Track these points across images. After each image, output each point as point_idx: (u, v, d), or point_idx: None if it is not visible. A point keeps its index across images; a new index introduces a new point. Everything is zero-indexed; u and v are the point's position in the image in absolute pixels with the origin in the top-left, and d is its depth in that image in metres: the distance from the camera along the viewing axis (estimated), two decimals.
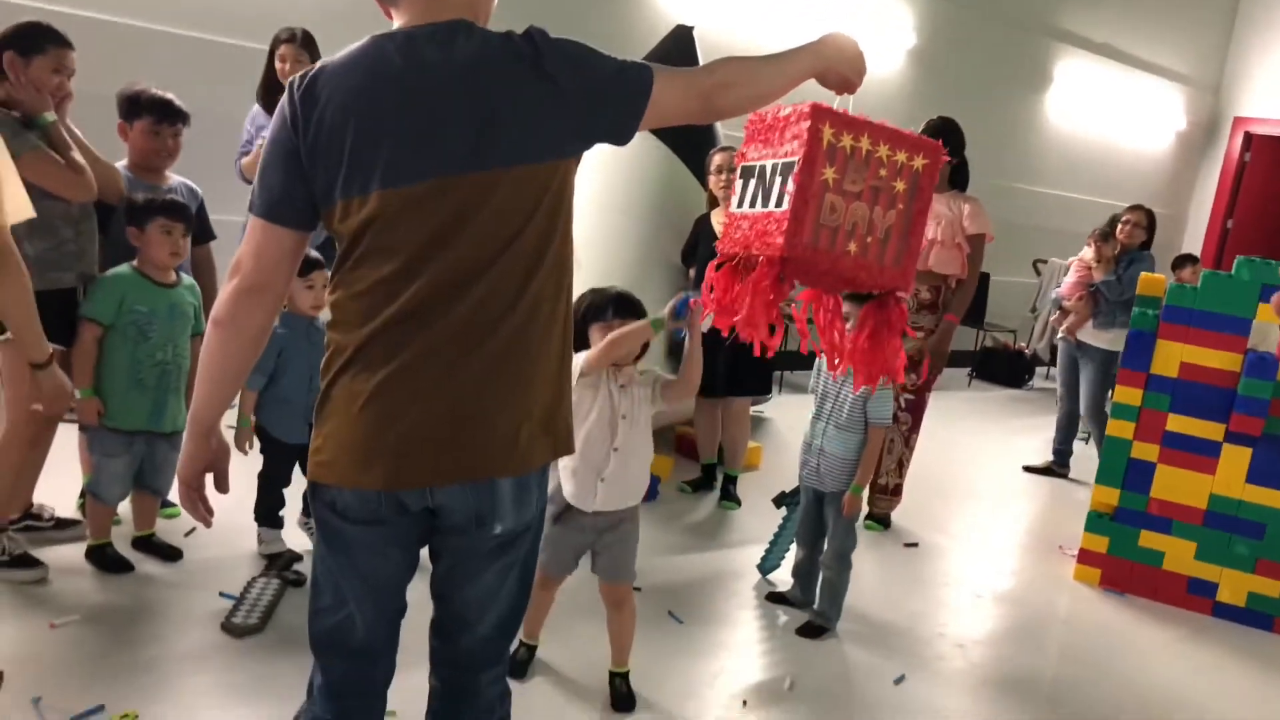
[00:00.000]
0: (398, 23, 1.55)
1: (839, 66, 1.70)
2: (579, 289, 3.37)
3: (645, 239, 4.58)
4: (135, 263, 3.07)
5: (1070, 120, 9.39)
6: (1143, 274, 4.47)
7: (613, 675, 2.81)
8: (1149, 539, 4.11)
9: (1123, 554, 4.15)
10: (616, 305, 2.57)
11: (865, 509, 4.57)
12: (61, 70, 2.94)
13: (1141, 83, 9.92)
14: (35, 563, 2.97)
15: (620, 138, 1.59)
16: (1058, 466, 5.97)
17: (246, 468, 3.17)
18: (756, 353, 1.92)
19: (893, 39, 7.66)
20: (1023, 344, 8.78)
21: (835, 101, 1.78)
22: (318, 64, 1.53)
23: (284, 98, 1.52)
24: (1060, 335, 6.00)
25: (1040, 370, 8.77)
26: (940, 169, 1.81)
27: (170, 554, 3.24)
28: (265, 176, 1.54)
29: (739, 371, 4.31)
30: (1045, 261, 8.69)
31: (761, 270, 1.71)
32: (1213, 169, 10.83)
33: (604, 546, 2.72)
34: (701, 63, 5.17)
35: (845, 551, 3.35)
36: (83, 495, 3.44)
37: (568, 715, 2.69)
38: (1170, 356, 4.06)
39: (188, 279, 3.19)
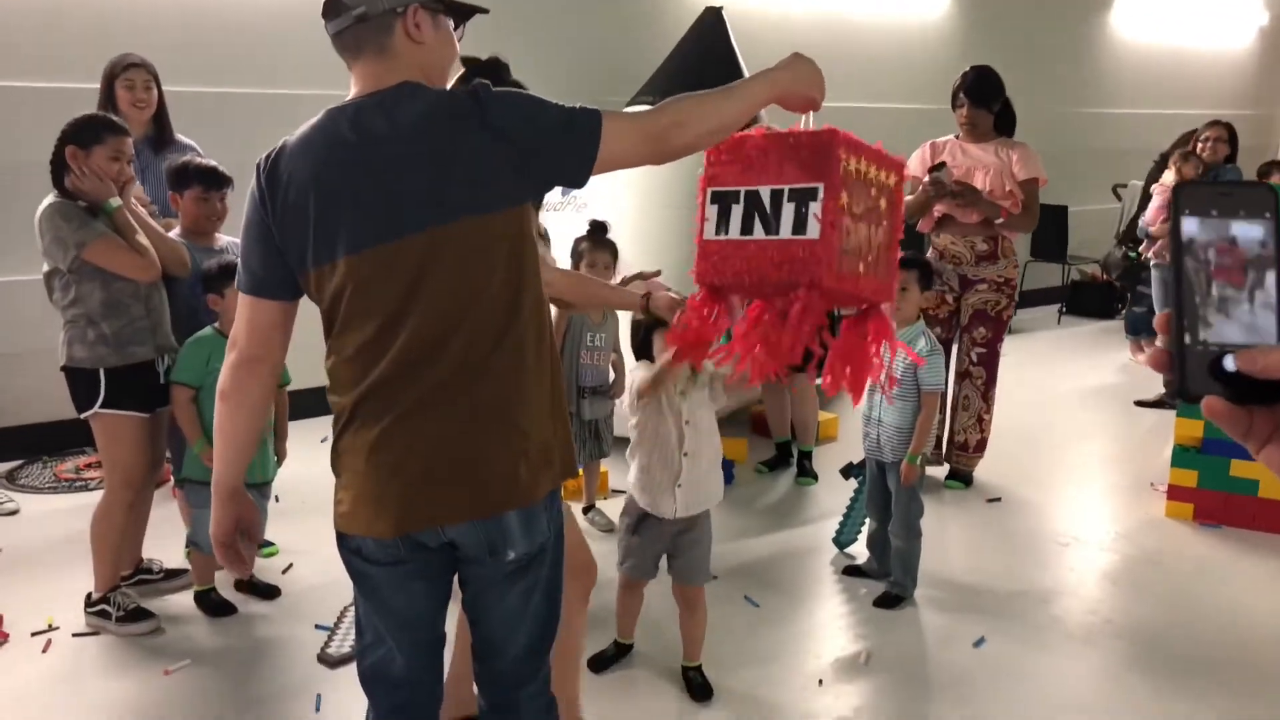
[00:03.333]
0: (352, 89, 1.64)
1: (798, 89, 1.73)
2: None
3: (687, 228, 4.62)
4: (217, 325, 3.25)
5: (1139, 34, 9.03)
6: None
7: (685, 669, 2.89)
8: (1240, 468, 3.99)
9: (1214, 485, 4.05)
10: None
11: (947, 468, 4.55)
12: (120, 157, 3.12)
13: None
14: (147, 615, 3.20)
15: (574, 183, 1.65)
16: (1169, 399, 5.76)
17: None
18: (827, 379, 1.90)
19: None
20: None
21: (802, 120, 1.81)
22: (280, 142, 1.64)
23: (253, 179, 1.64)
24: (1152, 261, 5.87)
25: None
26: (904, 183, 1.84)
27: (269, 592, 3.46)
28: (246, 255, 1.67)
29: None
30: (1125, 185, 8.40)
31: (807, 301, 1.74)
32: None
33: (680, 549, 2.79)
34: (734, 43, 5.24)
35: (911, 520, 3.36)
36: (188, 545, 3.68)
37: (648, 708, 2.78)
38: None
39: None
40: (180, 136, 4.15)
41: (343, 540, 1.70)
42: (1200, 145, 5.78)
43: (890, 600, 3.38)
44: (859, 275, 1.74)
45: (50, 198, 3.05)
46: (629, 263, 3.97)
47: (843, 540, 3.81)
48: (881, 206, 1.77)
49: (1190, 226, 0.66)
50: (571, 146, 1.61)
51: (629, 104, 5.19)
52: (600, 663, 2.95)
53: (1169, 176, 5.86)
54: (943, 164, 4.25)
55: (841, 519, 3.82)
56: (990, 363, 4.47)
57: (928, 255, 4.47)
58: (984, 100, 4.32)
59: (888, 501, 3.45)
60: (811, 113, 1.77)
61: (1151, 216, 5.88)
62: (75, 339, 3.08)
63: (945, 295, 4.43)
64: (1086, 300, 8.43)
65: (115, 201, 3.07)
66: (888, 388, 3.28)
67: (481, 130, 1.56)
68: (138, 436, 3.17)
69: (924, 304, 3.55)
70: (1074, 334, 7.86)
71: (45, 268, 3.08)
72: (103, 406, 3.09)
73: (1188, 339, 0.64)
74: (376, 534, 1.63)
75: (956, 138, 4.45)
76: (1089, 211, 8.47)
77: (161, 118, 4.08)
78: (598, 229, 3.76)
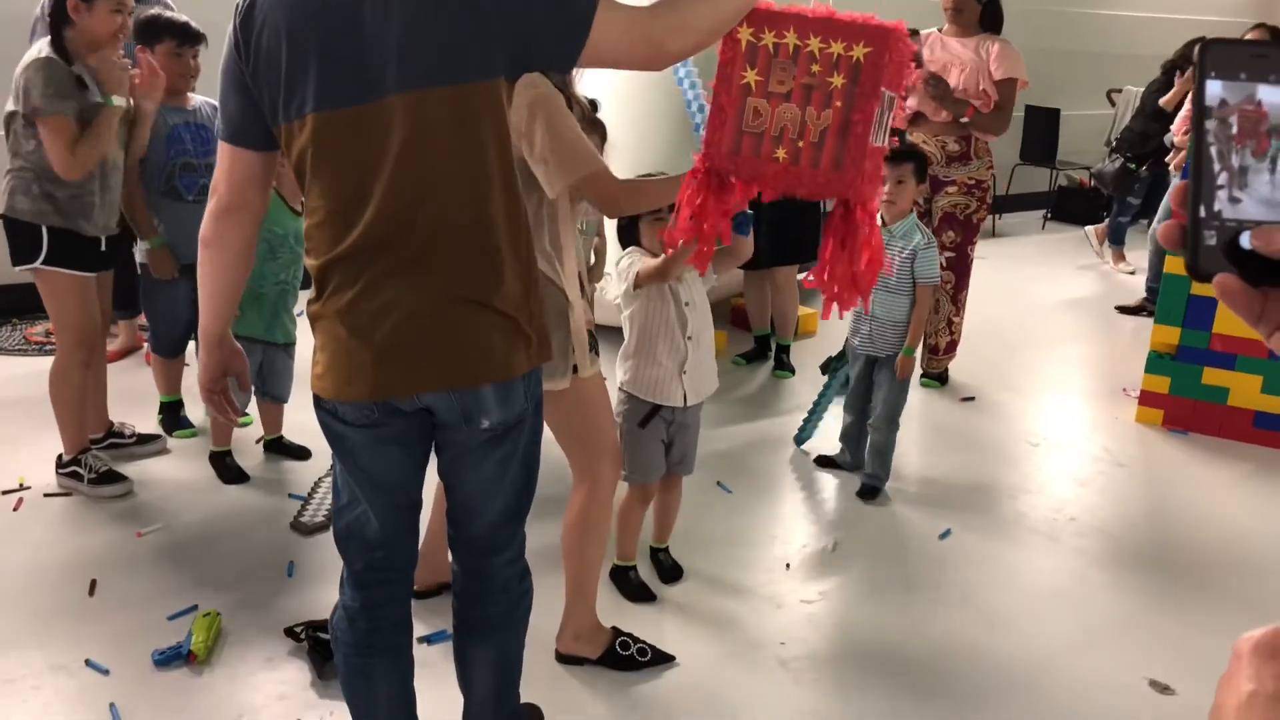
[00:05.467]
0: None
1: None
2: (616, 174, 3.38)
3: (681, 113, 4.53)
4: (275, 184, 3.17)
5: None
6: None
7: (654, 550, 2.92)
8: (1212, 376, 4.03)
9: (1185, 393, 4.09)
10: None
11: (919, 369, 4.57)
12: (122, 9, 2.97)
13: None
14: (120, 478, 3.20)
15: (557, 65, 1.58)
16: (1151, 305, 5.74)
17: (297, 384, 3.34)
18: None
19: None
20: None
21: None
22: None
23: (230, 23, 1.56)
24: (1171, 171, 5.82)
25: None
26: (896, 52, 1.59)
27: (300, 453, 3.50)
28: (224, 103, 1.61)
29: (782, 240, 4.29)
30: (1120, 90, 8.27)
31: (685, 181, 1.69)
32: None
33: (674, 438, 2.73)
34: None
35: (895, 413, 3.38)
36: (161, 412, 3.66)
37: (619, 596, 2.82)
38: None
39: None
40: None
41: (319, 402, 1.68)
42: None
43: (870, 491, 3.41)
44: (774, 162, 1.61)
45: (46, 49, 2.90)
46: (617, 144, 3.89)
47: (802, 437, 3.82)
48: (834, 83, 1.58)
49: (1215, 90, 0.60)
50: (558, 25, 1.51)
51: None
52: (635, 591, 2.78)
53: None
54: (915, 31, 4.13)
55: (805, 418, 3.83)
56: (960, 266, 4.41)
57: None
58: None
59: (868, 397, 3.46)
60: None
61: (1178, 126, 5.79)
62: (19, 189, 2.98)
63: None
64: (1072, 206, 8.38)
65: (119, 101, 2.97)
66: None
67: None
68: (84, 294, 3.10)
69: (917, 196, 3.49)
70: (1058, 239, 7.84)
71: (9, 107, 2.96)
72: (45, 263, 3.01)
73: (1203, 212, 0.60)
74: (349, 398, 1.61)
75: (940, 30, 4.32)
76: (1080, 116, 8.36)
77: None
78: (589, 105, 3.65)
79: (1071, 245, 7.54)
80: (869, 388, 3.46)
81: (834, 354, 3.67)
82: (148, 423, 3.62)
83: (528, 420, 1.72)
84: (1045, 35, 8.17)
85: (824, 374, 3.71)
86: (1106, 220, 7.10)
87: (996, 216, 8.14)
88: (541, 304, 1.70)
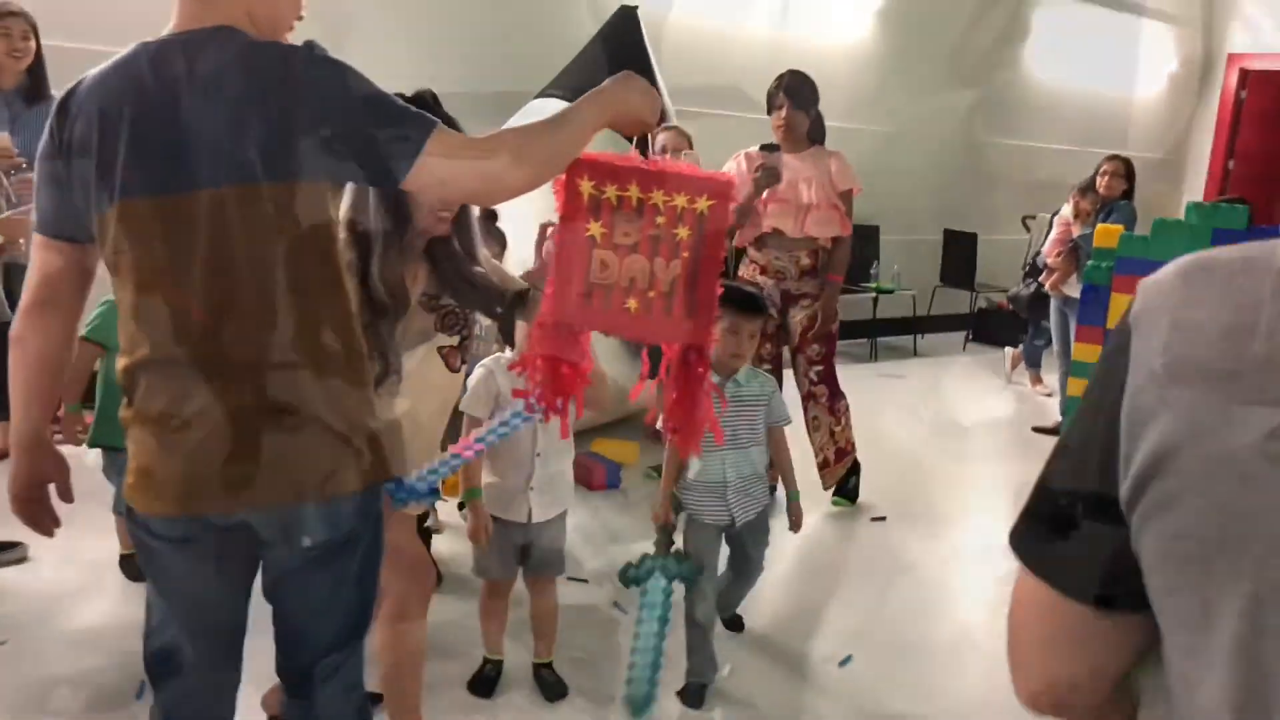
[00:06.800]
0: (170, 24, 1.50)
1: (630, 111, 1.62)
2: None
3: None
4: None
5: (1053, 69, 9.18)
6: (1099, 226, 4.36)
7: (537, 666, 2.79)
8: None
9: None
10: None
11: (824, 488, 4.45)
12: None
13: (1127, 24, 9.70)
14: None
15: (384, 183, 1.52)
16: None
17: None
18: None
19: (858, 1, 7.51)
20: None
21: (633, 143, 1.73)
22: (82, 77, 1.50)
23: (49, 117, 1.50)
24: (1048, 291, 5.95)
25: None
26: (729, 206, 1.63)
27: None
28: (38, 193, 1.54)
29: None
30: (1034, 217, 8.53)
31: (533, 334, 1.66)
32: (1209, 110, 10.57)
33: (531, 542, 2.68)
34: (649, 43, 5.16)
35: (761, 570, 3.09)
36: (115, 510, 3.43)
37: (498, 707, 2.67)
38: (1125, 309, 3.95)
39: None
40: (55, 92, 3.95)
41: (131, 514, 1.56)
42: (1099, 179, 5.90)
43: (740, 625, 3.23)
44: (626, 312, 1.60)
45: None
46: (514, 253, 3.85)
47: (637, 701, 2.25)
48: (680, 235, 1.60)
49: None
50: (385, 140, 1.43)
51: (536, 98, 5.07)
52: (482, 684, 2.74)
53: (1067, 209, 5.97)
54: (777, 146, 4.18)
55: (630, 671, 2.19)
56: (830, 378, 4.34)
57: (743, 273, 4.33)
58: (804, 103, 4.21)
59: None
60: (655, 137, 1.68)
61: (1049, 248, 5.97)
62: None
63: (770, 310, 4.30)
64: (993, 328, 8.53)
65: None
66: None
67: (283, 89, 1.41)
68: None
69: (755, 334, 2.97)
70: (979, 360, 7.94)
71: None
72: None
73: None
74: (156, 513, 1.50)
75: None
76: (999, 241, 8.58)
77: (38, 70, 3.90)
78: (488, 217, 3.63)
79: (992, 366, 7.64)
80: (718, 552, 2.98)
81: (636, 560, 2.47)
82: (7, 529, 3.40)
83: (363, 539, 1.60)
84: (963, 164, 8.45)
85: (627, 584, 2.42)
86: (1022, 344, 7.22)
87: (919, 337, 8.26)
88: (374, 415, 1.59)
